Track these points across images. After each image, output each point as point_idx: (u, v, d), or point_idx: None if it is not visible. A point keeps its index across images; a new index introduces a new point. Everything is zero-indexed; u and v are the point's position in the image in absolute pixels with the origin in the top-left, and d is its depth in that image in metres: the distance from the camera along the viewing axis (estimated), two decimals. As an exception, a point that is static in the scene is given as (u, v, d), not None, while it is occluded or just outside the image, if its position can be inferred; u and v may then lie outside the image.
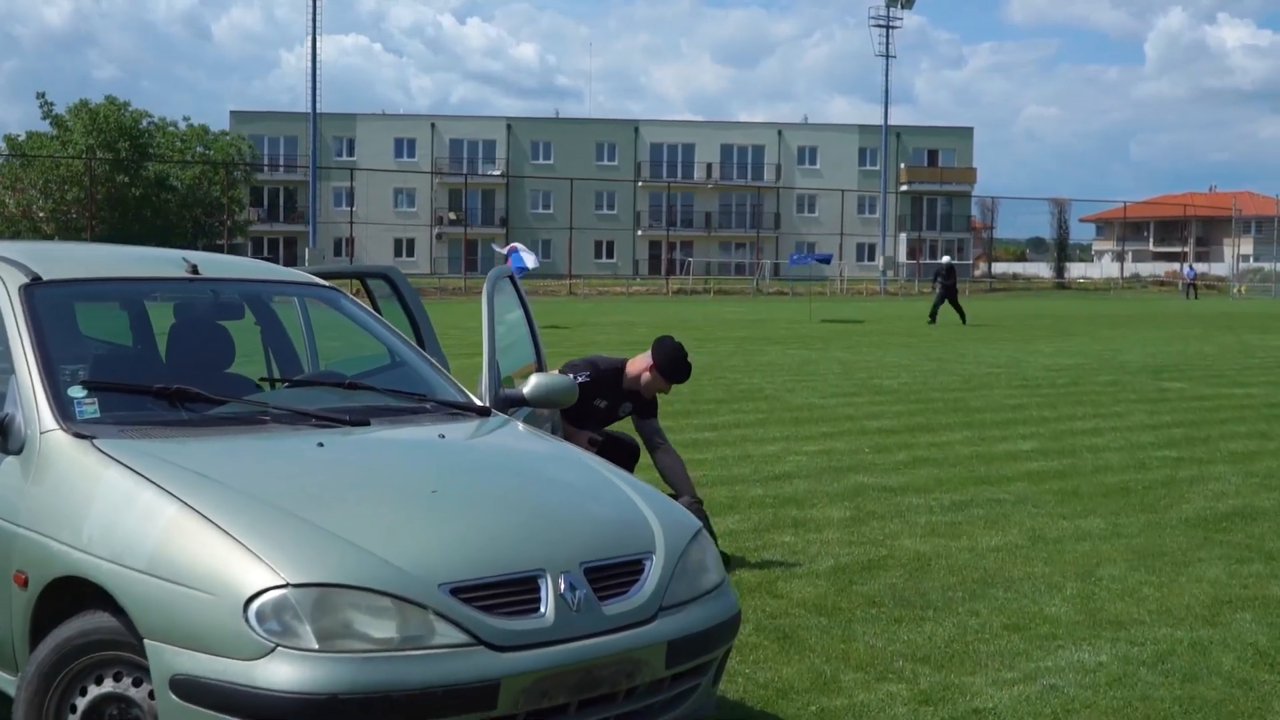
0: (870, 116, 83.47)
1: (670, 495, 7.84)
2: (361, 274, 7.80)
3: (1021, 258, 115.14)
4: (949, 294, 36.26)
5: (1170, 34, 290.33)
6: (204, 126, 73.65)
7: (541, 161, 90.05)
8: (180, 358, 5.18)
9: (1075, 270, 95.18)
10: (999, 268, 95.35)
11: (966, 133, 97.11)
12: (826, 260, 42.06)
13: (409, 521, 3.86)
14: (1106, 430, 13.31)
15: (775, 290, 71.06)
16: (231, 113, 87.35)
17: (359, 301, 5.59)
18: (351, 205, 73.78)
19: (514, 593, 3.74)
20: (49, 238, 64.23)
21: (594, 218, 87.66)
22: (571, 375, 7.40)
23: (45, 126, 69.22)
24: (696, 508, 7.42)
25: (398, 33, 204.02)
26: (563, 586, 3.80)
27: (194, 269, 5.10)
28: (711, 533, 7.54)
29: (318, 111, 72.63)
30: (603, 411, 7.91)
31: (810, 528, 8.50)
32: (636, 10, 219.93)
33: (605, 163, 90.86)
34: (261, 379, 5.33)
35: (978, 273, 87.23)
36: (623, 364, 7.95)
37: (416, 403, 4.96)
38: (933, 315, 35.89)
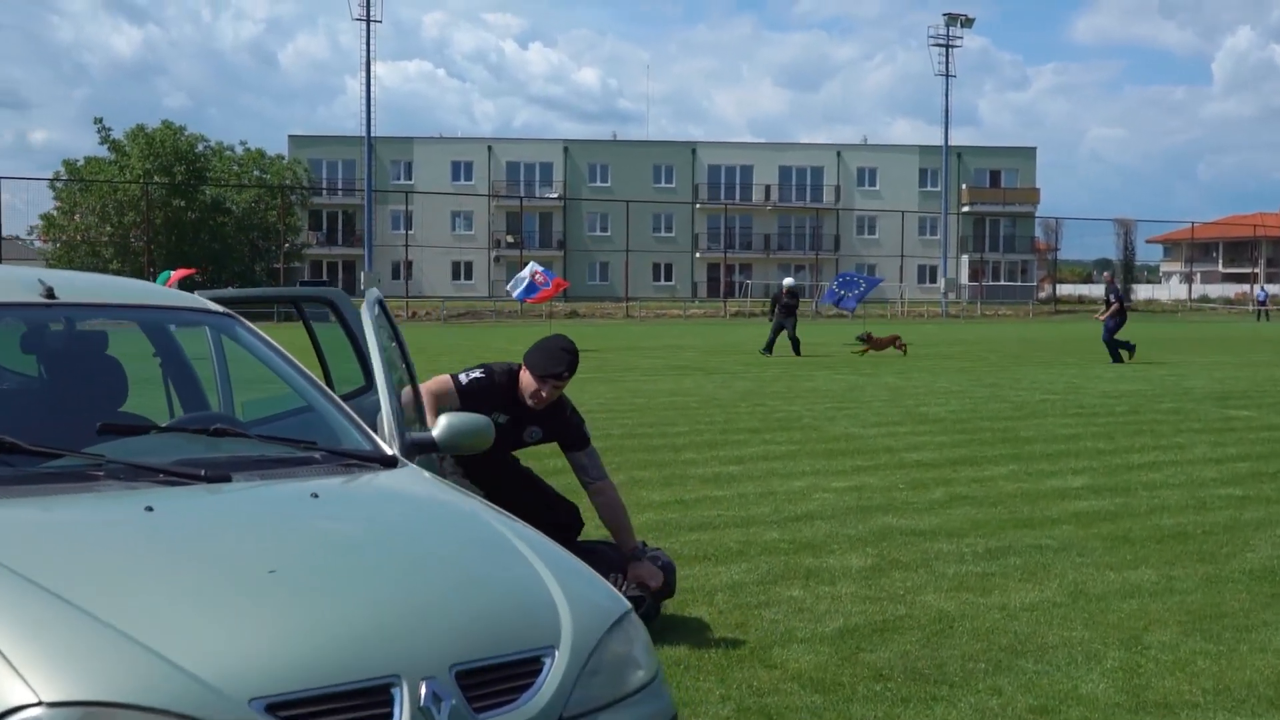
0: (932, 138, 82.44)
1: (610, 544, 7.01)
2: (298, 298, 7.02)
3: (1088, 279, 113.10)
4: (787, 318, 31.89)
5: (1238, 53, 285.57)
6: (260, 150, 73.86)
7: (599, 184, 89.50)
8: (39, 399, 4.39)
9: (1142, 292, 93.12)
10: (1064, 289, 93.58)
11: (1029, 153, 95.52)
12: (848, 304, 39.94)
13: (227, 613, 3.01)
14: (1165, 464, 12.27)
15: (834, 313, 69.92)
16: (290, 137, 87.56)
17: (257, 331, 4.76)
18: (408, 228, 73.55)
19: (356, 707, 2.89)
20: (108, 262, 64.49)
21: (652, 240, 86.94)
22: (462, 376, 6.57)
23: (104, 152, 69.59)
24: (648, 567, 6.56)
25: (460, 58, 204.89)
26: (424, 696, 2.96)
27: (49, 292, 4.30)
28: (666, 592, 6.69)
29: (376, 135, 72.52)
30: (503, 430, 6.46)
31: (824, 579, 7.59)
32: (697, 34, 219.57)
33: (663, 185, 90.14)
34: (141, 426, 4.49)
35: (1042, 295, 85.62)
36: (519, 369, 6.71)
37: (304, 452, 4.13)
38: (769, 346, 31.36)
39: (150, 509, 3.47)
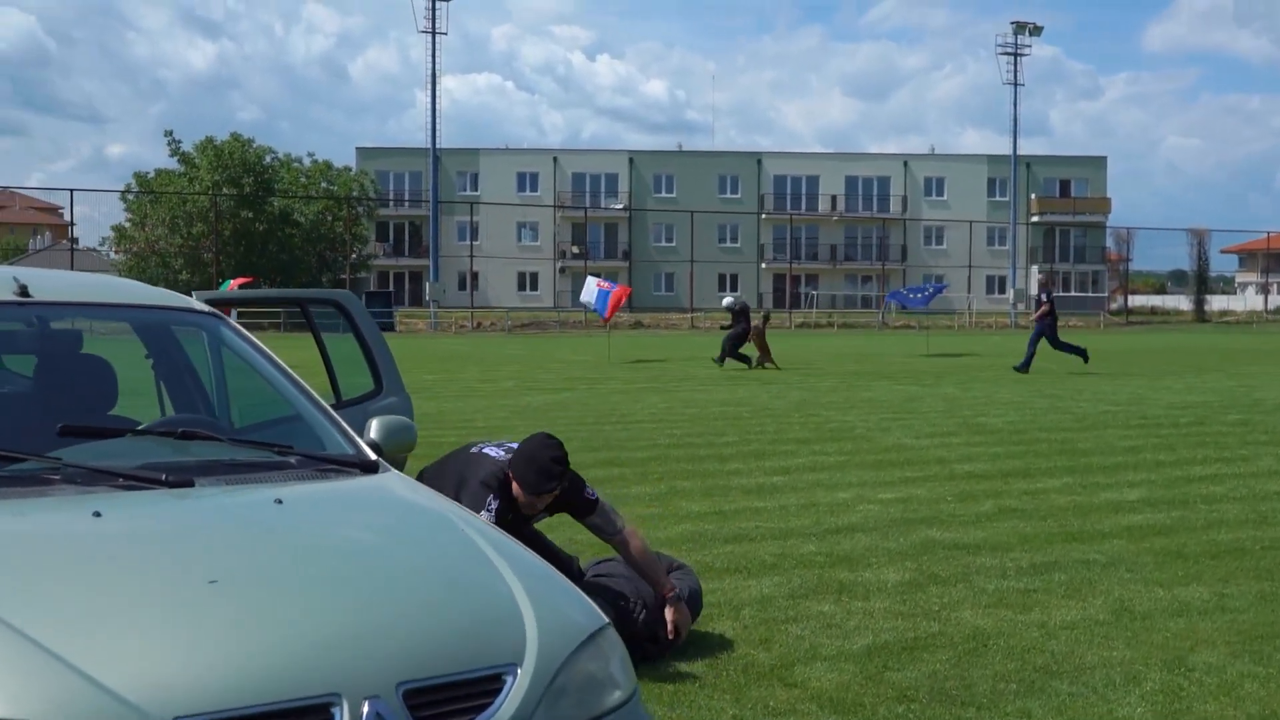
0: (1003, 149, 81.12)
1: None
2: (304, 299, 6.87)
3: (1162, 290, 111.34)
4: (740, 338, 29.27)
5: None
6: (327, 162, 74.38)
7: (664, 195, 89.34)
8: (14, 401, 4.24)
9: (1217, 303, 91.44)
10: (1136, 300, 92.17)
11: (1100, 162, 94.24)
12: (917, 304, 39.03)
13: (159, 627, 2.82)
14: (1227, 477, 11.85)
15: (901, 324, 69.29)
16: (358, 149, 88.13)
17: (244, 332, 4.59)
18: (472, 239, 73.75)
19: (292, 729, 2.70)
20: (177, 273, 65.17)
21: (717, 251, 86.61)
22: (488, 504, 5.88)
23: (175, 164, 70.39)
24: (683, 611, 6.16)
25: (529, 71, 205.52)
26: (365, 716, 2.75)
27: (23, 290, 4.15)
28: (693, 607, 6.29)
29: (442, 147, 72.81)
30: (511, 524, 5.99)
31: (857, 593, 7.32)
32: (765, 46, 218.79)
33: (728, 195, 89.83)
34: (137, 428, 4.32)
35: (1114, 306, 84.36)
36: (505, 475, 6.05)
37: (279, 456, 3.94)
38: (721, 358, 29.31)
39: (98, 514, 3.29)
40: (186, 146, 69.79)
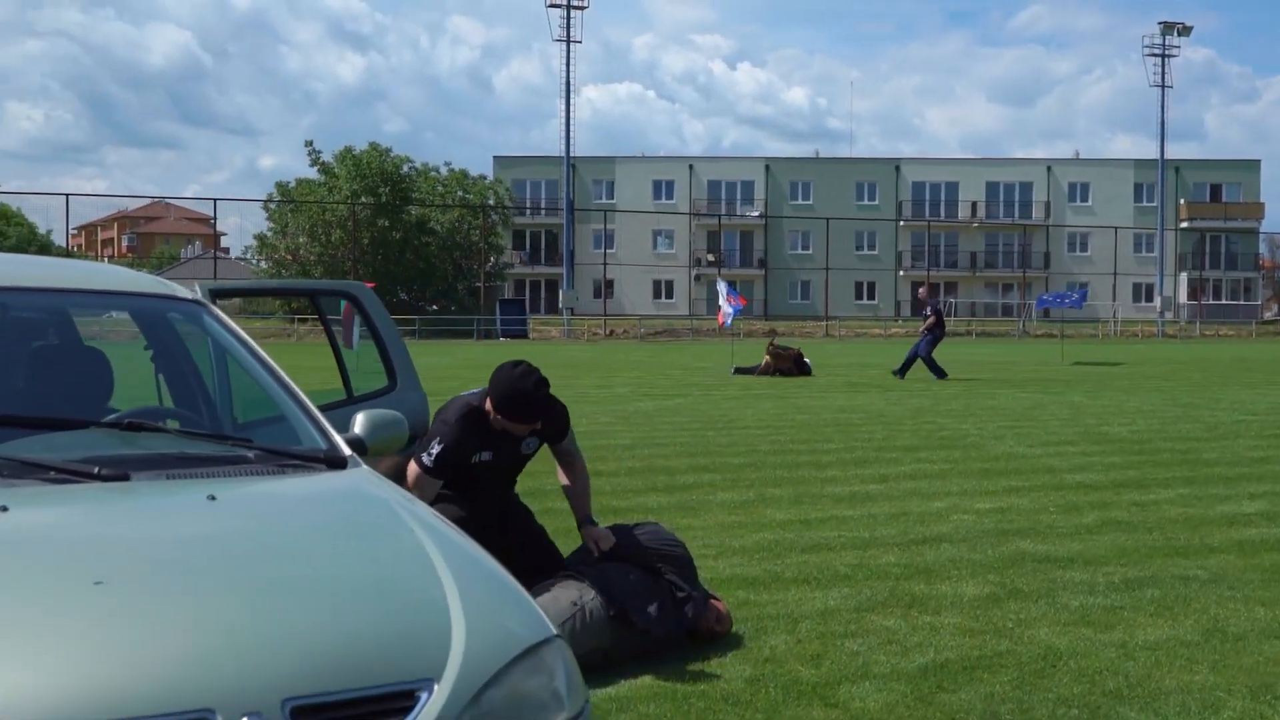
0: (1152, 153, 78.69)
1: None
2: (315, 291, 6.66)
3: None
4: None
5: None
6: (464, 171, 75.10)
7: (800, 202, 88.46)
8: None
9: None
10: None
11: (1253, 166, 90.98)
12: (1073, 303, 37.76)
13: (24, 630, 2.56)
14: (1360, 491, 11.08)
15: (1043, 332, 67.72)
16: (495, 158, 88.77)
17: (226, 320, 4.35)
18: (606, 247, 73.90)
19: (157, 747, 2.42)
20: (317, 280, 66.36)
21: (854, 258, 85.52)
22: (424, 458, 6.00)
23: (314, 173, 71.73)
24: (601, 531, 6.20)
25: (670, 80, 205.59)
26: None
27: (-14, 274, 3.96)
28: (716, 632, 6.15)
29: (579, 156, 73.12)
30: (494, 465, 6.23)
31: (928, 608, 6.87)
32: (909, 52, 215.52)
33: (865, 202, 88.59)
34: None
35: (1268, 314, 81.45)
36: (479, 403, 6.18)
37: (233, 450, 3.69)
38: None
39: (4, 509, 3.06)
40: (327, 156, 71.05)
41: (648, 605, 5.88)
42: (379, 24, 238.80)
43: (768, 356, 28.51)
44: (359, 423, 4.14)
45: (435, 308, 69.21)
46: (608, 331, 65.11)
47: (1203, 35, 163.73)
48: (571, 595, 5.85)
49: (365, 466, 3.85)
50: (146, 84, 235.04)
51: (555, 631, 3.09)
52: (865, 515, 9.75)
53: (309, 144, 71.87)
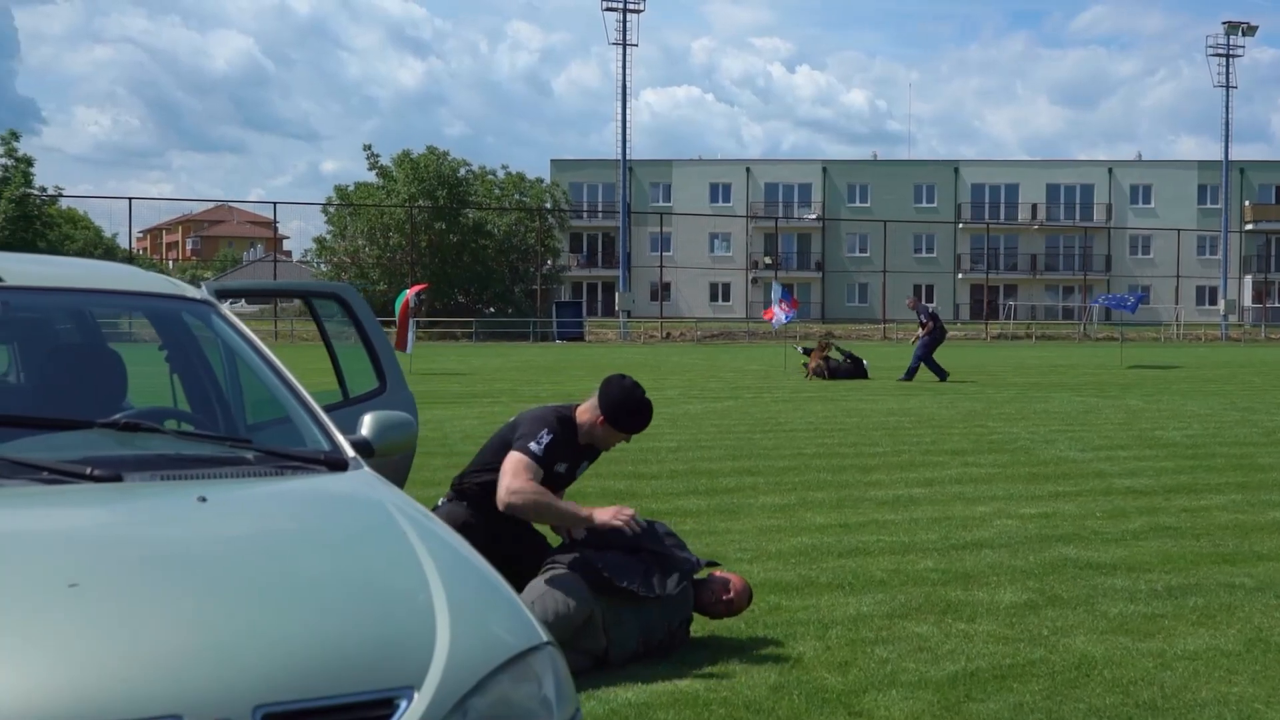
0: (1216, 154, 77.54)
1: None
2: (307, 292, 6.60)
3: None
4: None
5: None
6: (520, 174, 75.25)
7: (858, 204, 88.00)
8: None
9: None
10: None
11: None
12: (1128, 308, 37.12)
13: None
14: None
15: (1104, 335, 66.99)
16: (552, 161, 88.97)
17: (234, 320, 4.32)
18: (662, 250, 73.81)
19: (123, 756, 2.37)
20: (375, 283, 66.75)
21: (912, 261, 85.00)
22: (534, 445, 5.95)
23: (373, 177, 72.15)
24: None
25: (728, 83, 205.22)
26: None
27: (-8, 275, 3.93)
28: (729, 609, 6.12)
29: (635, 159, 73.10)
30: (563, 477, 6.34)
31: (962, 615, 6.74)
32: (969, 54, 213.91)
33: (924, 205, 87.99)
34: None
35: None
36: (573, 412, 6.31)
37: (232, 451, 3.65)
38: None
39: (-11, 509, 3.03)
40: (385, 160, 71.49)
41: (628, 570, 5.84)
42: (439, 29, 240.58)
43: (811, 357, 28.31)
44: (366, 424, 4.09)
45: (492, 310, 69.42)
46: (664, 334, 65.05)
47: (1269, 35, 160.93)
48: (545, 577, 5.84)
49: (367, 469, 3.80)
50: (211, 89, 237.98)
51: (546, 638, 3.02)
52: (907, 520, 9.62)
53: (367, 148, 72.47)
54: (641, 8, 67.58)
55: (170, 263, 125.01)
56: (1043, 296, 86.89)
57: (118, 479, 3.32)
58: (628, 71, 67.69)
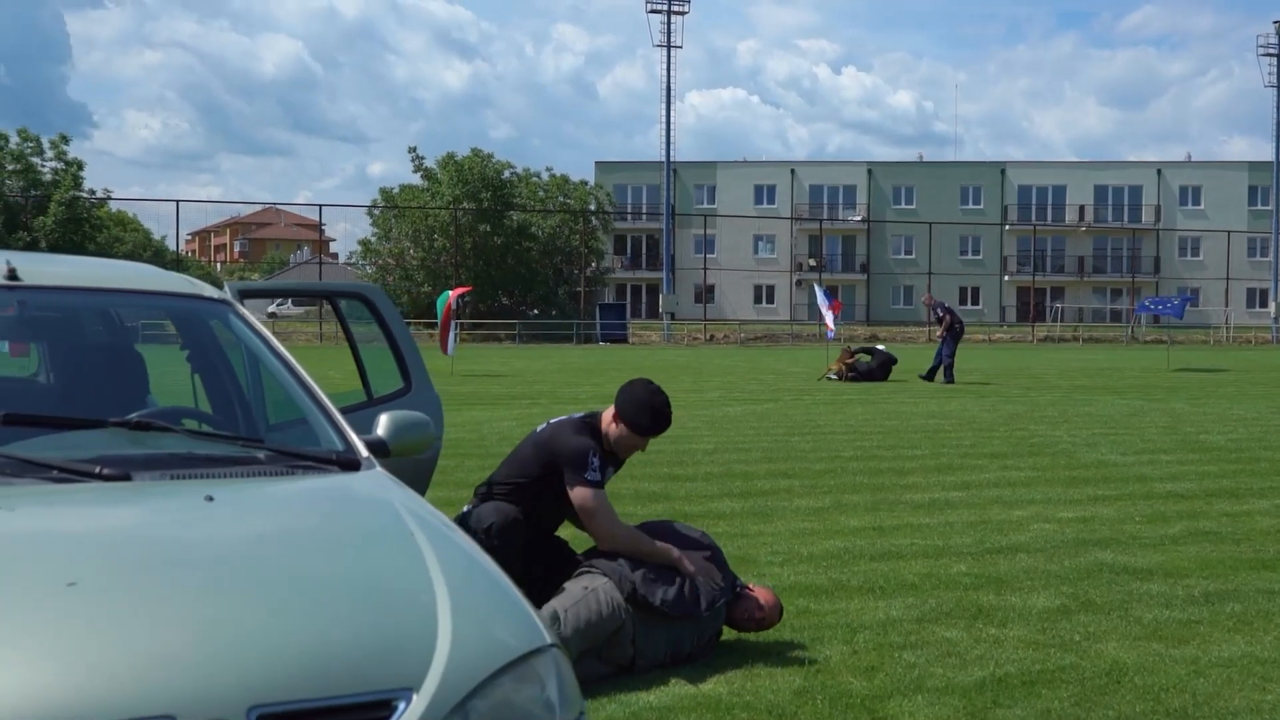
0: (1268, 155, 76.54)
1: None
2: (332, 293, 6.58)
3: None
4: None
5: None
6: (564, 176, 75.28)
7: (904, 206, 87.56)
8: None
9: None
10: None
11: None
12: (1172, 311, 36.61)
13: None
14: None
15: (1152, 338, 66.33)
16: (597, 163, 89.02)
17: (252, 320, 4.31)
18: (706, 252, 73.66)
19: (113, 755, 2.35)
20: (419, 285, 66.98)
21: (958, 263, 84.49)
22: (591, 464, 6.00)
23: (418, 179, 72.41)
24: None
25: (774, 85, 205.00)
26: None
27: (11, 273, 3.94)
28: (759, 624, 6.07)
29: (680, 161, 72.98)
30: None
31: (993, 619, 6.66)
32: (1017, 55, 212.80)
33: (970, 206, 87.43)
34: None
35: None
36: (598, 420, 6.30)
37: (242, 450, 3.63)
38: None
39: (-4, 508, 3.02)
40: (430, 163, 71.75)
41: (662, 587, 5.77)
42: (484, 32, 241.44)
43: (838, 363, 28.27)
44: (382, 424, 4.07)
45: (535, 312, 69.50)
46: (708, 336, 64.91)
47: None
48: (583, 582, 5.79)
49: (379, 469, 3.77)
50: (259, 93, 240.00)
51: (550, 640, 2.98)
52: (942, 523, 9.53)
53: (412, 150, 72.66)
54: (686, 10, 67.48)
55: (218, 265, 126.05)
56: (1090, 299, 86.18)
57: (126, 478, 3.31)
58: (672, 73, 67.63)
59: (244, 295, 6.43)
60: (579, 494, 5.95)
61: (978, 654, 6.00)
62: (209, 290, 4.41)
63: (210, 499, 3.25)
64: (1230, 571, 7.88)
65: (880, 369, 27.85)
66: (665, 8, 66.83)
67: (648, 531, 6.16)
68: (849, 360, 27.95)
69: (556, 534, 6.53)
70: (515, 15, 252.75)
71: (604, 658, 5.59)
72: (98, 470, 3.29)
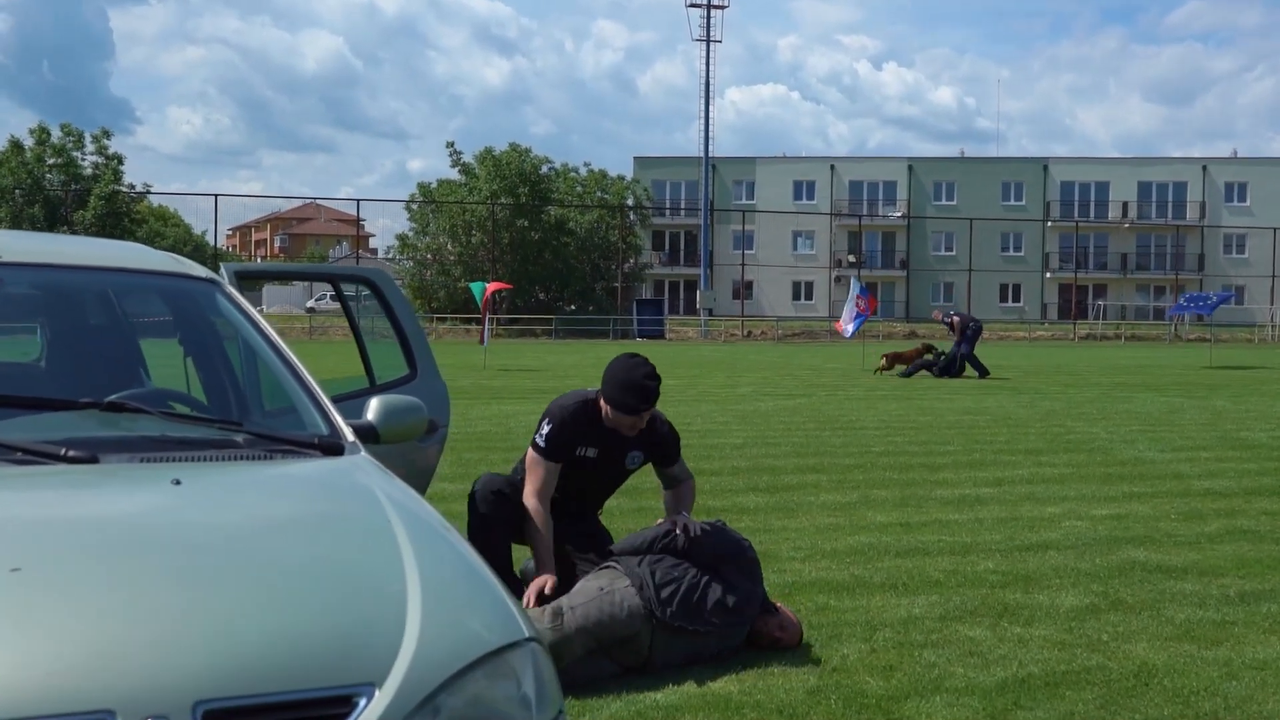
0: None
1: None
2: (335, 276, 6.46)
3: None
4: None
5: None
6: (602, 171, 75.16)
7: (944, 202, 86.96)
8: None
9: None
10: None
11: None
12: (1206, 310, 35.97)
13: None
14: None
15: (1195, 336, 65.61)
16: (635, 159, 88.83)
17: (241, 301, 4.17)
18: (744, 248, 73.42)
19: (46, 751, 2.20)
20: (456, 280, 67.03)
21: (999, 260, 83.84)
22: (538, 439, 6.06)
23: (455, 174, 72.47)
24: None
25: (815, 81, 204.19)
26: None
27: (-13, 249, 3.80)
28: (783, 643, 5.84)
29: (719, 156, 72.70)
30: (597, 463, 6.23)
31: (1018, 618, 6.45)
32: (1061, 50, 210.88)
33: (1012, 203, 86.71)
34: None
35: None
36: (593, 398, 6.19)
37: (219, 433, 3.48)
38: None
39: (-54, 490, 2.88)
40: (468, 158, 71.79)
41: (673, 598, 5.56)
42: (524, 28, 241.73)
43: (884, 360, 28.16)
44: (371, 409, 3.92)
45: (572, 308, 69.44)
46: (745, 332, 64.68)
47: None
48: (600, 581, 5.61)
49: (364, 454, 3.62)
50: (301, 89, 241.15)
51: (529, 634, 2.81)
52: (971, 520, 9.31)
53: (450, 145, 72.88)
54: (726, 5, 67.33)
55: (259, 260, 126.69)
56: (1133, 296, 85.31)
57: (94, 460, 3.17)
58: (712, 69, 67.47)
59: (241, 277, 6.31)
60: (527, 450, 6.10)
61: (1001, 654, 5.80)
62: (197, 270, 4.27)
63: (178, 483, 3.10)
64: (1268, 571, 7.63)
65: (946, 368, 27.56)
66: (705, 3, 66.76)
67: (708, 535, 5.91)
68: (926, 355, 27.90)
69: (599, 519, 6.55)
70: (555, 11, 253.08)
71: (615, 658, 5.42)
72: (63, 452, 3.15)
